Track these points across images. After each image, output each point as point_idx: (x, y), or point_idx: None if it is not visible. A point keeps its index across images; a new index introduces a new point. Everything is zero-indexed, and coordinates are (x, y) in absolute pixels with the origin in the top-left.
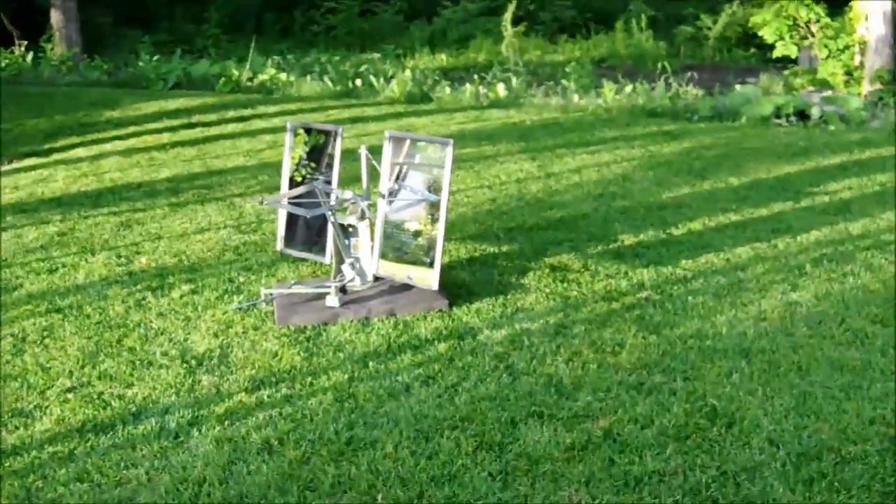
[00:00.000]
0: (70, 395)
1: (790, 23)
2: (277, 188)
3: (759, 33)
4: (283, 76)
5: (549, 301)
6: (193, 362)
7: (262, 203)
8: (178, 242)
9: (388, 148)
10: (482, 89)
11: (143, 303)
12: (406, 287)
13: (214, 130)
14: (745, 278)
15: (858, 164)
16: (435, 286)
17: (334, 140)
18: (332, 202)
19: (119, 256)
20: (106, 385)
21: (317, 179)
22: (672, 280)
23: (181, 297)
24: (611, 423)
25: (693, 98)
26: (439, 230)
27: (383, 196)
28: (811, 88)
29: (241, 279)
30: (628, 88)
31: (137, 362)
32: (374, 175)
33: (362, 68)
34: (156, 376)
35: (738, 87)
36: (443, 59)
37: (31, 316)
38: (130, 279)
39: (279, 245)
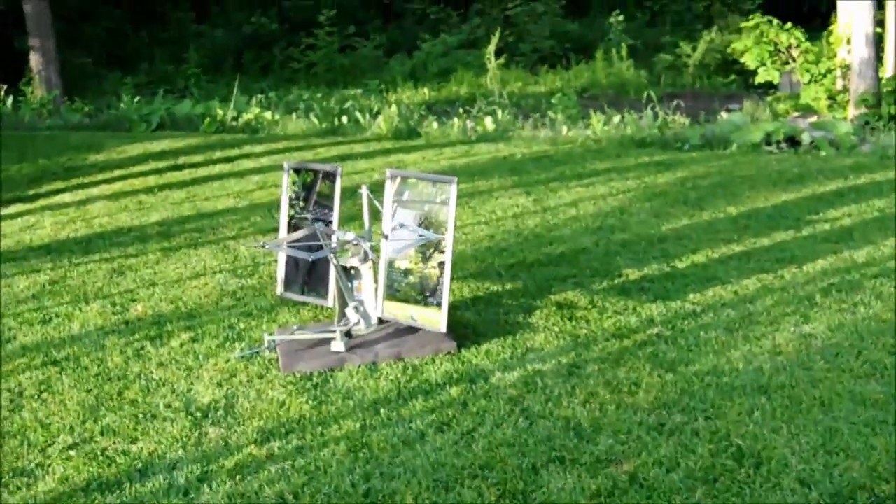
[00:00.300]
0: (72, 453)
1: (771, 48)
2: (270, 230)
3: (741, 59)
4: (267, 115)
5: (559, 340)
6: (199, 414)
7: (262, 247)
8: (174, 288)
9: (390, 186)
10: (469, 123)
11: (143, 353)
12: (412, 330)
13: (202, 172)
14: (756, 311)
15: (855, 190)
16: (443, 328)
17: (333, 180)
18: (334, 244)
19: (114, 304)
20: (109, 440)
21: (317, 221)
22: (682, 314)
23: (181, 345)
24: (635, 466)
25: (681, 127)
26: (446, 270)
27: (386, 236)
28: (796, 114)
29: (242, 325)
30: (616, 119)
31: (141, 415)
32: (374, 215)
33: (347, 104)
34: (161, 430)
35: (724, 114)
36: (425, 92)
37: (27, 369)
38: (127, 328)
39: (279, 289)
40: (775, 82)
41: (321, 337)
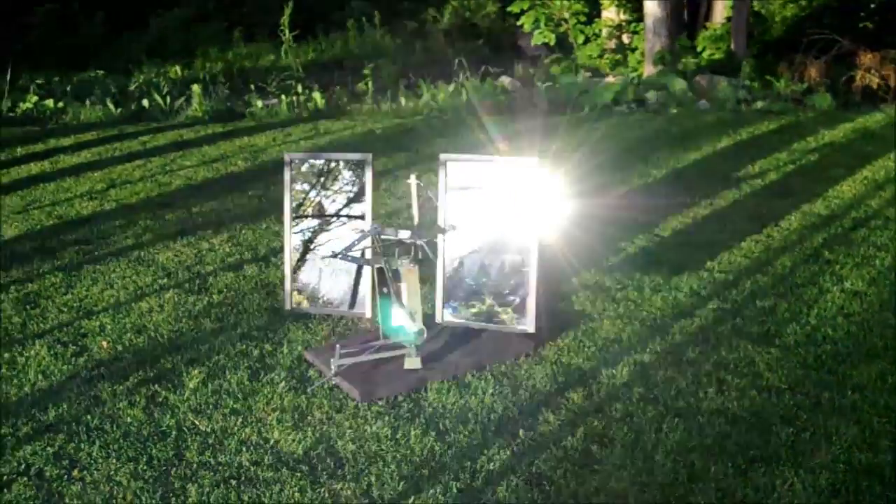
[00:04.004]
0: None
1: (546, 11)
2: (176, 233)
3: (518, 22)
4: (49, 102)
5: (628, 326)
6: (304, 468)
7: (335, 256)
8: (124, 316)
9: (443, 173)
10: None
11: (160, 400)
12: (474, 332)
13: (17, 173)
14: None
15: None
16: (531, 328)
17: (360, 170)
18: (392, 247)
19: (61, 344)
20: None
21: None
22: (716, 284)
23: (202, 384)
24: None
25: (511, 90)
26: (531, 261)
27: (444, 231)
28: (588, 73)
29: (254, 351)
30: (451, 87)
31: (233, 481)
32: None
33: (132, 86)
34: (276, 497)
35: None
36: (177, 70)
37: (28, 442)
38: (109, 372)
39: (288, 303)
40: (552, 44)
41: (391, 355)
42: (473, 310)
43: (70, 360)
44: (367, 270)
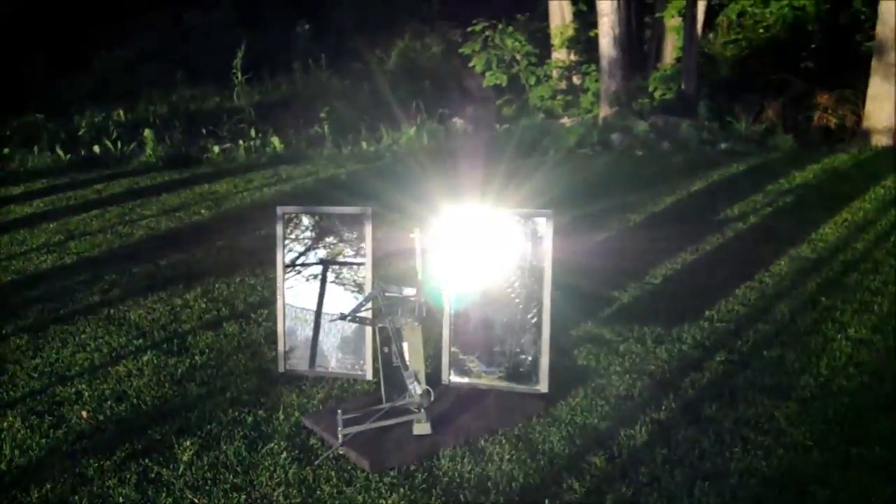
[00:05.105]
0: None
1: (498, 52)
2: (144, 288)
3: (470, 64)
4: None
5: (638, 381)
6: None
7: (344, 318)
8: (100, 381)
9: (444, 225)
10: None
11: (153, 477)
12: (479, 393)
13: None
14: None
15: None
16: (545, 387)
17: (358, 224)
18: (395, 305)
19: (36, 414)
20: None
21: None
22: (721, 331)
23: (195, 457)
24: None
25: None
26: (544, 317)
27: (449, 288)
28: (542, 115)
29: (247, 418)
30: (412, 131)
31: None
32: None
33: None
34: None
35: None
36: (120, 114)
37: None
38: (91, 444)
39: (281, 365)
40: (504, 85)
41: (397, 422)
42: (482, 370)
43: (47, 433)
44: (367, 330)
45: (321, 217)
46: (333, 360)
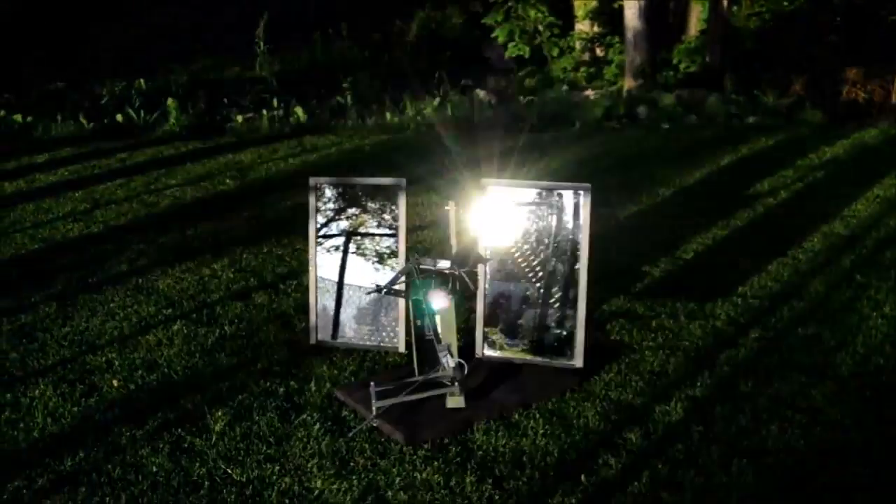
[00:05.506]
0: None
1: (521, 24)
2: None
3: (493, 35)
4: (17, 117)
5: (672, 357)
6: None
7: (378, 291)
8: (131, 349)
9: (483, 196)
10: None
11: (186, 446)
12: (513, 367)
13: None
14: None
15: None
16: (580, 362)
17: (392, 195)
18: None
19: (67, 382)
20: None
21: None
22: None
23: (227, 427)
24: None
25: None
26: (580, 290)
27: (485, 261)
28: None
29: (279, 388)
30: (435, 102)
31: None
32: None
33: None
34: None
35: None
36: (141, 83)
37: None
38: (123, 413)
39: (313, 336)
40: (526, 56)
41: (432, 394)
42: (514, 345)
43: (79, 401)
44: (400, 302)
45: (353, 188)
46: (364, 331)
